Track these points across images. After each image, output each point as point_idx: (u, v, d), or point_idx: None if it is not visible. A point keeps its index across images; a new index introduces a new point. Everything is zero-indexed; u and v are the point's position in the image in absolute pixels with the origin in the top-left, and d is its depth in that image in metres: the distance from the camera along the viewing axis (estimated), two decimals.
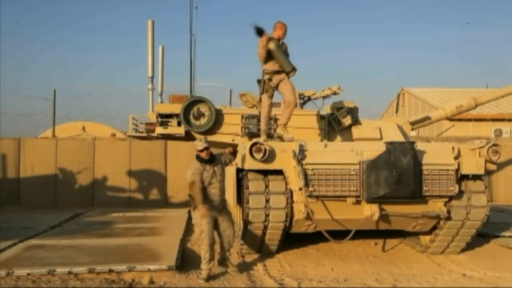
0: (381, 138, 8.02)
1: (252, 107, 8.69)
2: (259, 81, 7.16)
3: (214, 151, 12.08)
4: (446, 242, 6.92)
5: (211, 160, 5.88)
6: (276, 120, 8.13)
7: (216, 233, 6.05)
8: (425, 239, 7.26)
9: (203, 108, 8.18)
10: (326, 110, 8.56)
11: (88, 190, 12.92)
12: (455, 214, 6.52)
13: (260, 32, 6.84)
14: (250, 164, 6.21)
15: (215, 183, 5.89)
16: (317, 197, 6.22)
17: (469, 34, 57.62)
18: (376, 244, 7.61)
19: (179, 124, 8.33)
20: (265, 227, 6.41)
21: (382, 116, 25.22)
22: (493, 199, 12.67)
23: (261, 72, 7.09)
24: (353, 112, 8.27)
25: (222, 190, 6.00)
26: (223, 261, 6.24)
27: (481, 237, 7.78)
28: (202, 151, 5.84)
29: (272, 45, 6.84)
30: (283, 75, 7.02)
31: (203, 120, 8.18)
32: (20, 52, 52.48)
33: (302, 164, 6.14)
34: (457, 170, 6.39)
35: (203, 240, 5.85)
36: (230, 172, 7.58)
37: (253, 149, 6.14)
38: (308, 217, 6.26)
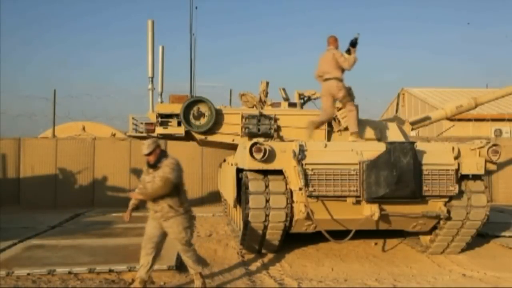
0: (380, 138, 8.03)
1: (252, 107, 8.69)
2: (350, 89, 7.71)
3: (214, 151, 12.13)
4: (446, 242, 6.92)
5: (154, 165, 5.20)
6: (276, 120, 8.14)
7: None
8: (425, 239, 7.26)
9: (203, 108, 8.17)
10: None
11: (88, 190, 12.93)
12: (455, 214, 6.53)
13: (355, 43, 7.31)
14: (250, 164, 6.20)
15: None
16: (317, 197, 6.22)
17: (469, 34, 57.66)
18: (376, 244, 7.61)
19: (179, 124, 8.32)
20: (265, 227, 6.41)
21: (382, 116, 25.21)
22: (493, 199, 12.67)
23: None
24: None
25: (161, 199, 5.14)
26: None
27: (481, 237, 7.78)
28: (146, 155, 5.18)
29: None
30: None
31: (203, 120, 8.18)
32: (19, 52, 52.52)
33: (302, 164, 6.14)
34: (457, 170, 6.39)
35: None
36: (230, 172, 7.59)
37: (253, 149, 6.14)
38: (308, 217, 6.27)
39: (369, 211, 6.31)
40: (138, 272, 5.26)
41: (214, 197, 12.77)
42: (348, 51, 7.37)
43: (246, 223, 6.37)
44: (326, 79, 7.46)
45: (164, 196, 5.12)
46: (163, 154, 5.26)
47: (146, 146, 5.21)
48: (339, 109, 8.15)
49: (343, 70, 7.41)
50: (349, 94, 7.63)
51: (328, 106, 7.64)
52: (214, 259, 6.82)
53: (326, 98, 7.62)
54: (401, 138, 8.08)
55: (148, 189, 5.16)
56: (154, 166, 5.22)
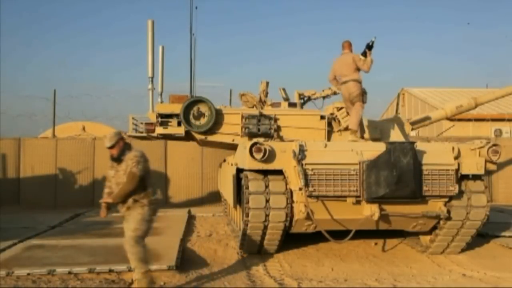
0: (381, 138, 8.03)
1: (252, 107, 8.69)
2: (364, 92, 7.75)
3: (214, 151, 12.14)
4: (446, 242, 6.92)
5: (118, 159, 4.96)
6: (276, 120, 8.14)
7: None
8: (425, 239, 7.26)
9: (203, 108, 8.17)
10: (326, 110, 8.56)
11: (88, 190, 12.93)
12: (455, 214, 6.53)
13: (372, 47, 7.43)
14: (250, 164, 6.20)
15: (113, 184, 5.05)
16: (317, 197, 6.22)
17: (470, 34, 57.67)
18: (376, 244, 7.61)
19: (179, 124, 8.31)
20: (265, 227, 6.41)
21: (382, 116, 25.20)
22: (493, 199, 12.69)
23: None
24: None
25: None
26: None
27: (481, 237, 7.78)
28: (109, 148, 4.94)
29: None
30: None
31: (203, 120, 8.17)
32: (19, 52, 52.55)
33: (302, 164, 6.14)
34: (457, 170, 6.39)
35: None
36: (230, 172, 7.59)
37: (253, 149, 6.14)
38: (308, 217, 6.27)
39: (369, 211, 6.31)
40: (134, 274, 5.19)
41: (214, 197, 12.77)
42: (364, 54, 7.50)
43: (246, 223, 6.37)
44: (344, 82, 7.54)
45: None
46: (126, 147, 4.99)
47: (108, 139, 4.91)
48: (339, 109, 8.18)
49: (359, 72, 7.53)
50: (363, 95, 7.68)
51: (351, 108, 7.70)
52: (214, 259, 6.83)
53: (347, 102, 7.69)
54: (401, 138, 8.08)
55: (115, 191, 4.92)
56: (117, 159, 4.96)
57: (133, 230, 4.91)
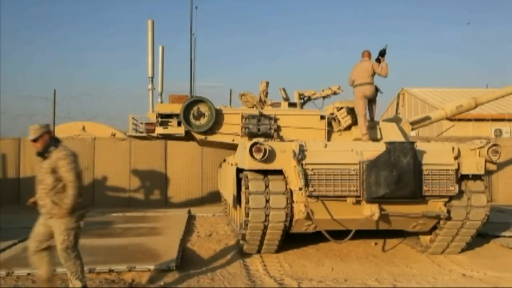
0: (381, 138, 8.03)
1: (252, 107, 8.69)
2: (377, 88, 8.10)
3: (214, 151, 12.14)
4: (446, 242, 6.92)
5: (42, 154, 4.59)
6: (276, 120, 8.14)
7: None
8: (425, 239, 7.26)
9: (203, 108, 8.17)
10: (326, 110, 8.57)
11: (88, 190, 12.90)
12: (455, 214, 6.53)
13: (384, 53, 7.94)
14: (250, 164, 6.21)
15: (37, 181, 4.68)
16: (317, 197, 6.22)
17: (470, 34, 57.66)
18: (376, 244, 7.61)
19: (179, 124, 8.32)
20: (265, 227, 6.41)
21: (382, 116, 25.20)
22: (493, 199, 12.69)
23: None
24: (353, 112, 8.27)
25: (44, 194, 4.62)
26: None
27: (481, 237, 7.79)
28: (32, 141, 4.58)
29: None
30: None
31: (203, 120, 8.17)
32: (19, 52, 52.54)
33: (302, 164, 6.14)
34: (457, 170, 6.40)
35: None
36: (230, 172, 7.59)
37: (253, 149, 6.15)
38: (308, 217, 6.27)
39: (369, 211, 6.31)
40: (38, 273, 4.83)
41: (214, 197, 12.78)
42: (378, 60, 7.93)
43: (246, 223, 6.37)
44: (361, 84, 7.84)
45: (49, 191, 4.55)
46: (53, 142, 4.61)
47: (32, 131, 4.53)
48: (339, 109, 8.18)
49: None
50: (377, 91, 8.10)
51: (362, 108, 7.92)
52: (214, 259, 6.83)
53: (360, 101, 7.91)
54: (401, 138, 8.08)
55: (38, 189, 4.60)
56: (41, 154, 4.59)
57: (61, 243, 4.58)
